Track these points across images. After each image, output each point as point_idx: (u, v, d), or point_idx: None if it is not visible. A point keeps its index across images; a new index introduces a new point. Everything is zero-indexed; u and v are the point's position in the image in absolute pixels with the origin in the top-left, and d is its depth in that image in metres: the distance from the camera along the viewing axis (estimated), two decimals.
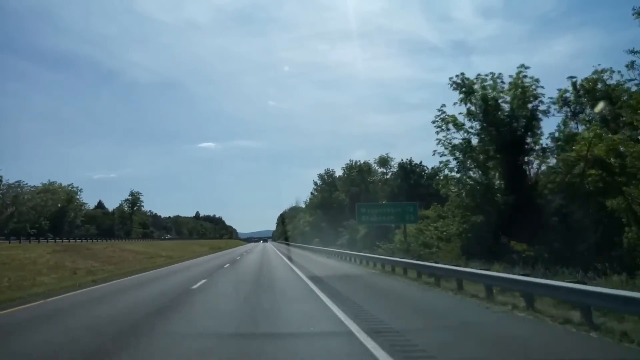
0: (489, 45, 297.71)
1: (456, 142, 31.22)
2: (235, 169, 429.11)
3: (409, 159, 61.53)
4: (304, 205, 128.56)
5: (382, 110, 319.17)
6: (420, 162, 61.38)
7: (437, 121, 32.55)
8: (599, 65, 27.68)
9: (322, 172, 72.54)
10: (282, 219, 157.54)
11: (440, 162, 31.29)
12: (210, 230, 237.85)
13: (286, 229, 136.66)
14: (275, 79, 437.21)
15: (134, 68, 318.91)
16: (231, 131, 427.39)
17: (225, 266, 29.24)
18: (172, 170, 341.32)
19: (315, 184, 72.41)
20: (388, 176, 65.94)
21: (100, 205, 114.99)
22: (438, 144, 32.61)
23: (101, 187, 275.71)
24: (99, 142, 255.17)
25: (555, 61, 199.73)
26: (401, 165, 61.43)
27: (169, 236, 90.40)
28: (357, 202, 70.13)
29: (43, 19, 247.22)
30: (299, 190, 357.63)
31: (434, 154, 32.88)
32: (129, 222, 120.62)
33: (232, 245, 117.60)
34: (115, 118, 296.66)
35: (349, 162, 70.53)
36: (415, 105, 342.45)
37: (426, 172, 60.82)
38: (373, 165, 67.29)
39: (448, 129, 32.22)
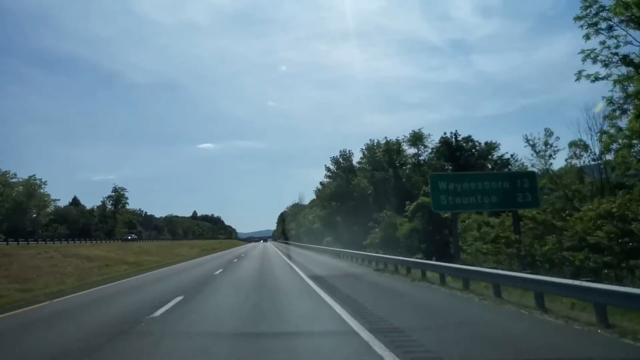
0: (488, 44, 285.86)
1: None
2: (234, 169, 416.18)
3: (454, 131, 45.93)
4: (308, 202, 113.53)
5: (381, 109, 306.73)
6: (470, 136, 45.77)
7: (586, 16, 17.24)
8: None
9: (337, 154, 56.87)
10: (282, 218, 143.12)
11: (615, 82, 15.80)
12: (208, 230, 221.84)
13: (285, 229, 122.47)
14: (274, 79, 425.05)
15: (133, 69, 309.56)
16: (230, 131, 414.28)
17: (175, 300, 12.99)
18: (171, 171, 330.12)
19: (328, 169, 56.93)
20: (422, 157, 50.40)
21: (75, 202, 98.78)
22: (585, 59, 17.37)
23: (101, 188, 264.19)
24: (98, 144, 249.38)
25: (555, 59, 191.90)
26: (444, 141, 45.80)
27: (133, 236, 74.02)
28: (383, 190, 54.69)
29: (42, 21, 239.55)
30: (298, 190, 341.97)
31: (577, 79, 17.56)
32: (112, 221, 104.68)
33: (228, 246, 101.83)
34: (115, 119, 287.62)
35: (369, 141, 54.99)
36: (415, 105, 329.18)
37: (478, 148, 45.23)
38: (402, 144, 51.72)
39: (610, 30, 17.03)
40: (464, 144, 45.34)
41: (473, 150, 44.90)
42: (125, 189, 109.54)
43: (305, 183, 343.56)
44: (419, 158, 50.71)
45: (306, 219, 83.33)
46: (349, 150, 56.18)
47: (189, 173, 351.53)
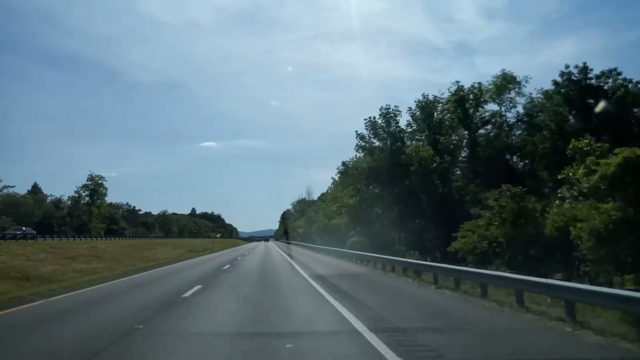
0: (492, 47, 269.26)
1: None
2: (236, 169, 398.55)
3: (581, 64, 26.87)
4: (317, 197, 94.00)
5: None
6: (614, 70, 26.65)
7: None
8: None
9: (376, 115, 37.22)
10: (285, 218, 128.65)
11: None
12: (207, 229, 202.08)
13: (289, 228, 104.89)
14: (277, 79, 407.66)
15: (136, 68, 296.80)
16: (233, 131, 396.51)
17: None
18: (173, 170, 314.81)
19: (361, 137, 37.37)
20: (511, 115, 31.41)
21: (35, 189, 78.98)
22: None
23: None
24: (101, 142, 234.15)
25: (559, 62, 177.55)
26: (567, 80, 26.69)
27: (24, 230, 51.97)
28: (457, 162, 34.45)
29: (46, 19, 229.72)
30: (300, 190, 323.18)
31: None
32: (87, 215, 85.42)
33: (224, 246, 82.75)
34: (117, 118, 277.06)
35: (422, 97, 35.77)
36: None
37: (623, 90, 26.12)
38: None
39: None
40: (603, 85, 26.29)
41: (620, 90, 25.81)
42: (104, 178, 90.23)
43: (306, 183, 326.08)
44: (503, 117, 31.66)
45: (319, 213, 64.08)
46: (394, 107, 36.77)
47: (190, 171, 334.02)
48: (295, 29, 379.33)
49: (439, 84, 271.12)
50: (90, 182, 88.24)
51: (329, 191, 79.43)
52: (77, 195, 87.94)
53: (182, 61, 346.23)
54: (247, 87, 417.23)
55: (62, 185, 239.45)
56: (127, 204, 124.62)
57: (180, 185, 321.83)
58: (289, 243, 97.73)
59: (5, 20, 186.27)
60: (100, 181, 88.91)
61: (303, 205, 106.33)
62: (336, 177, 68.80)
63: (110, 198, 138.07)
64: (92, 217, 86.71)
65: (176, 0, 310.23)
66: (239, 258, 36.16)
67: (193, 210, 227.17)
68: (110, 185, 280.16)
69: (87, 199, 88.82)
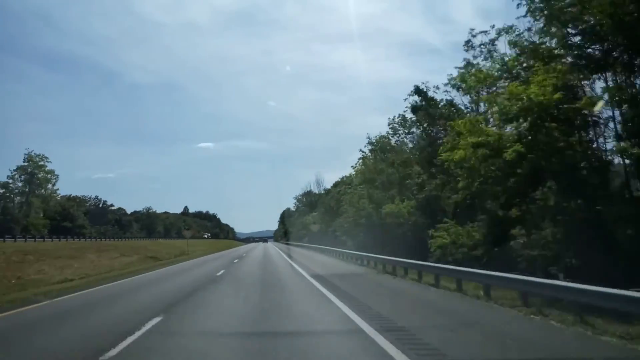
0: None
1: None
2: (234, 169, 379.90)
3: None
4: (331, 185, 69.14)
5: (382, 111, 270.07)
6: None
7: None
8: None
9: None
10: (284, 217, 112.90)
11: None
12: (199, 228, 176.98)
13: (289, 228, 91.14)
14: (275, 80, 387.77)
15: (134, 69, 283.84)
16: (231, 131, 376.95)
17: None
18: (171, 171, 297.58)
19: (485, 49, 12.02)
20: None
21: None
22: None
23: (100, 186, 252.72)
24: (98, 143, 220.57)
25: None
26: None
27: None
28: None
29: (44, 20, 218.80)
30: (298, 192, 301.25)
31: None
32: (21, 209, 60.71)
33: (207, 250, 58.02)
34: (115, 119, 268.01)
35: None
36: None
37: None
38: None
39: None
40: None
41: None
42: (47, 159, 65.09)
43: (306, 183, 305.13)
44: None
45: (351, 196, 39.38)
46: None
47: (188, 172, 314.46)
48: (294, 30, 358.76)
49: (438, 84, 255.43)
50: (28, 164, 63.78)
51: (346, 177, 56.13)
52: (10, 181, 63.72)
53: (180, 62, 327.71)
54: (245, 88, 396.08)
55: (62, 185, 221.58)
56: (96, 197, 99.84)
57: (177, 186, 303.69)
58: (288, 244, 76.28)
59: (3, 21, 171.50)
60: (41, 163, 64.40)
61: (312, 198, 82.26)
62: (367, 151, 45.45)
63: (109, 199, 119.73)
64: (30, 211, 62.29)
65: (174, 2, 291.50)
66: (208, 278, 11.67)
67: (185, 208, 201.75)
68: (108, 186, 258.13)
69: (27, 186, 64.79)
